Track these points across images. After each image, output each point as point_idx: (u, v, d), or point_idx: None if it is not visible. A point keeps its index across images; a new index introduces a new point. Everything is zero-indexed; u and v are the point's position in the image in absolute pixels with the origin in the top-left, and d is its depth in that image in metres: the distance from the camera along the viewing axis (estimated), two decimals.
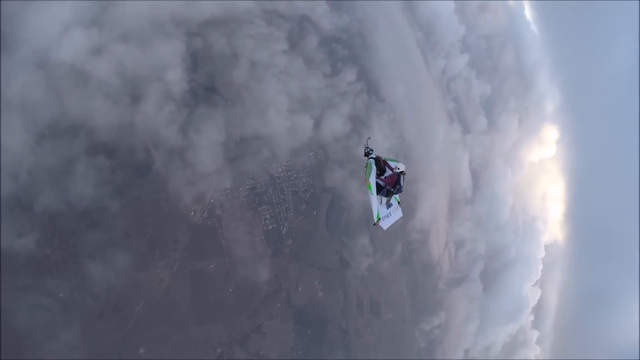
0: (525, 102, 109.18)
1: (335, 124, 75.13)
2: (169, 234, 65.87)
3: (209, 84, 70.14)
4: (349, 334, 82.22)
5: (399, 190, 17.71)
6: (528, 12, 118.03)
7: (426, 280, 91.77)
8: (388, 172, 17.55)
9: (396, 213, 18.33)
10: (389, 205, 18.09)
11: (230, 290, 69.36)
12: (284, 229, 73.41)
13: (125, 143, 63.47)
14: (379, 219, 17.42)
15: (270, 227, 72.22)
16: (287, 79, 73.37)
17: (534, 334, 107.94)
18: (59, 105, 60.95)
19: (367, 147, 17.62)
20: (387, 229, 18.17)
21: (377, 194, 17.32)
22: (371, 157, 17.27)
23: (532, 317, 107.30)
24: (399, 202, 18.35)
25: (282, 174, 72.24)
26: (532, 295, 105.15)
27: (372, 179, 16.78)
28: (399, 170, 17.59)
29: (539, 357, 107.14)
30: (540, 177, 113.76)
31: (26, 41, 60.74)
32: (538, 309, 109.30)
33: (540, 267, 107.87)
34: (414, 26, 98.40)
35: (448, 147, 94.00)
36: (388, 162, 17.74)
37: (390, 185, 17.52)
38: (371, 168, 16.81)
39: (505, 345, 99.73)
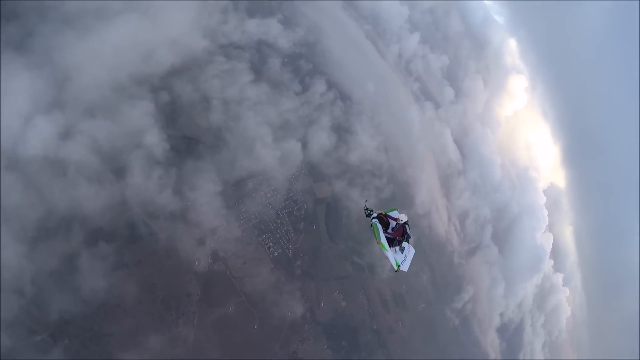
0: (483, 62, 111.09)
1: (322, 139, 74.50)
2: (180, 290, 64.15)
3: (188, 135, 68.06)
4: (382, 334, 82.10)
5: (408, 237, 19.12)
6: None
7: (441, 259, 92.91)
8: (392, 223, 19.01)
9: (410, 253, 19.46)
10: (402, 249, 19.28)
11: (255, 326, 68.18)
12: (289, 251, 72.43)
13: (123, 222, 61.07)
14: (399, 266, 18.66)
15: (276, 253, 70.78)
16: (263, 108, 72.07)
17: (559, 277, 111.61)
18: (42, 203, 57.55)
19: (367, 209, 19.00)
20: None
21: (390, 246, 18.66)
22: (373, 218, 18.72)
23: (552, 262, 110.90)
24: (407, 241, 19.49)
25: (271, 199, 71.15)
26: (546, 242, 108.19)
27: (383, 239, 18.25)
28: (402, 222, 19.01)
29: (569, 296, 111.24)
30: (519, 128, 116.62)
31: None
32: (555, 253, 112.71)
33: (546, 212, 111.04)
34: (360, 20, 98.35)
35: (426, 127, 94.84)
36: (389, 214, 19.19)
37: (398, 236, 18.88)
38: (378, 228, 18.30)
39: (535, 297, 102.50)
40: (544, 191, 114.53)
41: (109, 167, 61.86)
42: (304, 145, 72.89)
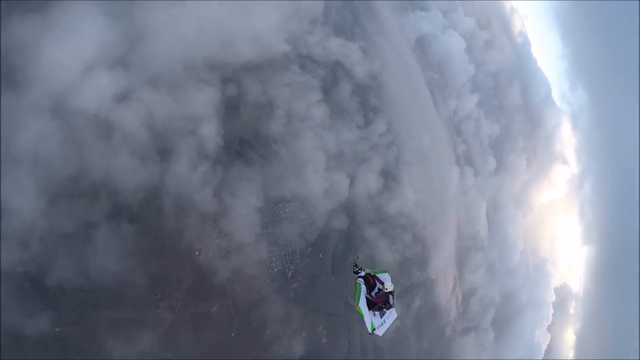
0: (532, 141, 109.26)
1: (370, 181, 71.40)
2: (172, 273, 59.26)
3: (244, 137, 63.81)
4: None
5: (390, 307, 17.83)
6: (535, 49, 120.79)
7: (432, 327, 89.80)
8: (377, 287, 17.71)
9: (390, 317, 18.20)
10: (382, 313, 17.97)
11: (232, 334, 63.63)
12: (289, 272, 68.54)
13: (154, 207, 55.93)
14: (374, 329, 17.39)
15: (276, 269, 66.37)
16: (323, 132, 68.59)
17: None
18: (76, 161, 52.05)
19: (356, 266, 17.69)
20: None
21: (370, 309, 17.46)
22: (360, 277, 17.37)
23: None
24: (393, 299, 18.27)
25: (307, 230, 67.26)
26: (544, 341, 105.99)
27: (362, 303, 16.99)
28: (387, 291, 17.58)
29: None
30: (550, 218, 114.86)
31: (40, 81, 51.43)
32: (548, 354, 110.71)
33: (551, 311, 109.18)
34: (425, 66, 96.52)
35: (461, 192, 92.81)
36: (377, 275, 17.87)
37: (381, 303, 17.63)
38: (360, 290, 17.00)
39: None
40: (555, 289, 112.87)
41: (156, 146, 57.03)
42: (352, 182, 69.60)
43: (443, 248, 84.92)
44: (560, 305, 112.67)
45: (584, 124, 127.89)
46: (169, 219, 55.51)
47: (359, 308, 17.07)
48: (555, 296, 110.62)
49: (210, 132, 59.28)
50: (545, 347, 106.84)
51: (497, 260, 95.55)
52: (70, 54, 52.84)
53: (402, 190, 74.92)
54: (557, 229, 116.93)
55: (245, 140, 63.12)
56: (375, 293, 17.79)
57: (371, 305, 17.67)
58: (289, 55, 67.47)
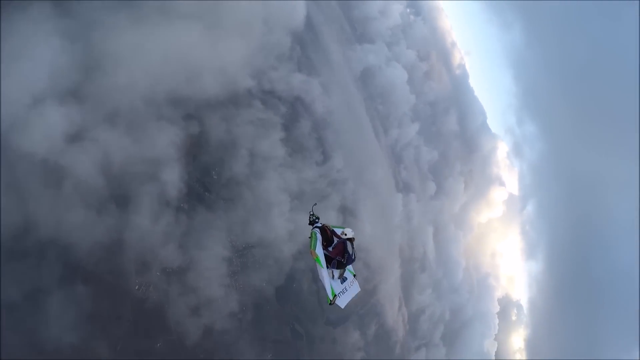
0: (469, 165, 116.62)
1: (330, 219, 70.30)
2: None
3: (206, 180, 58.97)
4: None
5: (350, 259, 15.64)
6: (472, 79, 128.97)
7: (382, 345, 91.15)
8: (335, 242, 15.75)
9: (353, 287, 16.36)
10: (343, 279, 16.07)
11: None
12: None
13: (113, 265, 49.21)
14: (335, 295, 15.30)
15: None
16: (286, 171, 66.15)
17: None
18: (20, 215, 44.10)
19: (313, 215, 16.24)
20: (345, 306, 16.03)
21: (328, 266, 15.31)
22: (316, 226, 15.68)
23: None
24: (354, 275, 16.52)
25: (273, 275, 64.15)
26: (492, 349, 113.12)
27: (319, 250, 14.91)
28: (345, 237, 15.82)
29: None
30: (489, 235, 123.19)
31: None
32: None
33: (497, 321, 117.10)
34: (369, 97, 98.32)
35: (404, 218, 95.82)
36: (335, 229, 16.20)
37: (338, 255, 15.49)
38: (316, 238, 15.10)
39: None
40: (498, 300, 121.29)
41: (113, 194, 50.31)
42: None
43: (392, 273, 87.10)
44: (502, 314, 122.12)
45: (527, 152, 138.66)
46: (130, 278, 49.53)
47: (317, 256, 14.63)
48: (499, 307, 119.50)
49: (173, 176, 53.75)
50: (494, 354, 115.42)
51: (442, 279, 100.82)
52: (16, 81, 44.71)
53: (359, 225, 75.29)
54: (496, 245, 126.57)
55: (207, 183, 58.64)
56: (332, 248, 15.48)
57: (329, 261, 15.29)
58: (251, 91, 64.04)
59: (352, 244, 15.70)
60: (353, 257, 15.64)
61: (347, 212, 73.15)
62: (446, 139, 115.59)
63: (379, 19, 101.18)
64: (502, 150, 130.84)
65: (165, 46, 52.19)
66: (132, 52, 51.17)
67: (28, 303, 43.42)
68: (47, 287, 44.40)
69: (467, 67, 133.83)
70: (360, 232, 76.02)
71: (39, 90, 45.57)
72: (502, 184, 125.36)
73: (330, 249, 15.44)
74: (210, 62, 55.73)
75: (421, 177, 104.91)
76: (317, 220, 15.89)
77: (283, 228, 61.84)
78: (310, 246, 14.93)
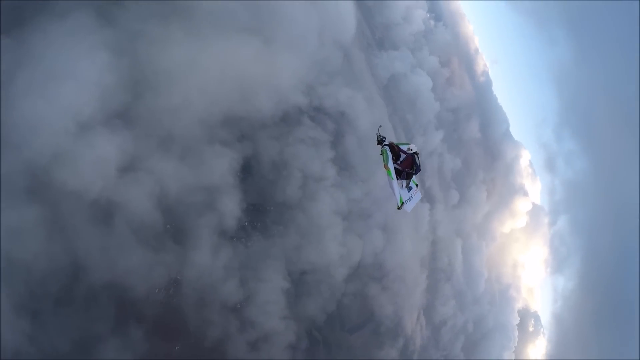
0: (491, 174, 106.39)
1: (377, 239, 61.51)
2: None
3: (261, 205, 49.28)
4: None
5: (417, 170, 16.62)
6: (495, 86, 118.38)
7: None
8: (402, 157, 16.49)
9: (417, 195, 17.39)
10: (409, 188, 17.01)
11: None
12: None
13: (171, 307, 39.57)
14: (402, 202, 16.33)
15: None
16: (337, 192, 56.78)
17: None
18: (67, 260, 34.22)
19: (380, 135, 16.52)
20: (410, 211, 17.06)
21: (398, 178, 16.35)
22: (385, 145, 16.22)
23: None
24: (417, 185, 17.39)
25: (327, 301, 55.55)
26: None
27: (391, 165, 15.97)
28: (412, 152, 16.43)
29: None
30: (511, 246, 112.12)
31: (11, 148, 32.29)
32: None
33: (517, 333, 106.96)
34: (397, 105, 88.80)
35: (430, 227, 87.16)
36: (400, 146, 16.66)
37: (407, 167, 16.47)
38: (387, 154, 15.99)
39: None
40: (518, 311, 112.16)
41: (169, 230, 40.45)
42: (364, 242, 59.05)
43: (419, 283, 78.80)
44: (521, 325, 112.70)
45: (561, 168, 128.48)
46: (191, 320, 40.02)
47: (389, 169, 15.77)
48: (519, 318, 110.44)
49: (231, 205, 44.21)
50: None
51: (465, 289, 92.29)
52: (58, 105, 34.48)
53: (400, 242, 66.59)
54: (518, 256, 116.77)
55: (261, 208, 49.08)
56: (401, 162, 16.27)
57: (398, 174, 16.28)
58: (301, 108, 54.30)
59: (418, 157, 16.43)
60: (419, 167, 16.42)
61: (389, 230, 64.12)
62: (468, 146, 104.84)
63: (402, 25, 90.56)
64: (525, 158, 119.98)
65: (221, 62, 41.86)
66: (186, 69, 40.87)
67: (80, 354, 33.91)
68: (101, 335, 34.77)
69: (491, 74, 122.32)
70: (400, 250, 67.56)
71: (85, 116, 35.11)
72: (525, 193, 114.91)
73: (399, 162, 16.23)
74: (266, 80, 45.58)
75: (444, 186, 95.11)
76: (384, 139, 16.39)
77: (336, 252, 52.60)
78: (383, 161, 15.80)
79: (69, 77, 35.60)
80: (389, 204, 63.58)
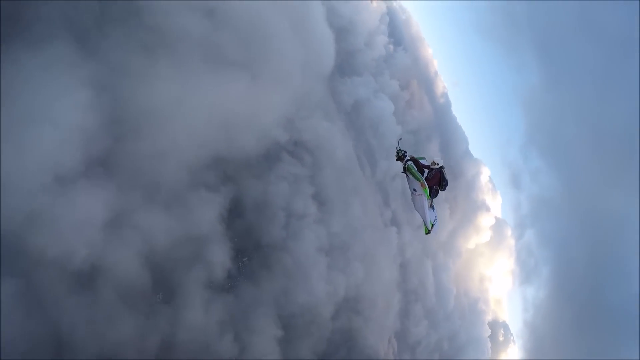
0: (453, 192, 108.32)
1: (358, 271, 60.97)
2: None
3: (246, 249, 46.80)
4: None
5: (445, 186, 15.31)
6: (456, 108, 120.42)
7: None
8: (426, 172, 15.11)
9: (436, 213, 16.01)
10: (432, 207, 15.53)
11: None
12: None
13: None
14: (432, 225, 15.14)
15: None
16: (319, 228, 55.70)
17: None
18: (49, 333, 29.99)
19: (400, 150, 14.85)
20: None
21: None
22: (407, 160, 14.64)
23: None
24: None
25: (317, 343, 54.18)
26: None
27: (423, 182, 14.35)
28: (438, 166, 15.00)
29: None
30: (477, 260, 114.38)
31: None
32: None
33: (489, 345, 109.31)
34: (361, 131, 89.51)
35: (398, 250, 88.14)
36: (421, 161, 15.21)
37: (435, 184, 15.02)
38: (415, 170, 14.39)
39: None
40: (489, 323, 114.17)
41: (159, 289, 36.99)
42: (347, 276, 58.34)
43: (392, 307, 79.32)
44: (492, 336, 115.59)
45: (527, 185, 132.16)
46: None
47: (425, 188, 14.24)
48: (490, 330, 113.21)
49: (220, 254, 41.75)
50: None
51: (436, 308, 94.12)
52: (34, 155, 30.48)
53: (378, 271, 66.88)
54: (484, 270, 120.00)
55: (249, 253, 46.94)
56: (427, 178, 14.71)
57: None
58: (280, 143, 53.03)
59: (445, 170, 15.02)
60: (447, 182, 15.08)
61: (367, 260, 64.29)
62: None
63: (364, 51, 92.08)
64: (485, 175, 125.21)
65: (209, 100, 39.63)
66: (172, 108, 38.07)
67: None
68: None
69: (452, 96, 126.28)
70: (379, 278, 67.96)
71: (65, 167, 31.46)
72: (487, 208, 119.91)
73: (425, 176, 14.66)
74: (251, 117, 43.92)
75: (409, 207, 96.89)
76: (405, 153, 14.70)
77: (322, 290, 51.67)
78: (416, 178, 14.19)
79: (46, 121, 31.56)
80: (364, 233, 64.04)
